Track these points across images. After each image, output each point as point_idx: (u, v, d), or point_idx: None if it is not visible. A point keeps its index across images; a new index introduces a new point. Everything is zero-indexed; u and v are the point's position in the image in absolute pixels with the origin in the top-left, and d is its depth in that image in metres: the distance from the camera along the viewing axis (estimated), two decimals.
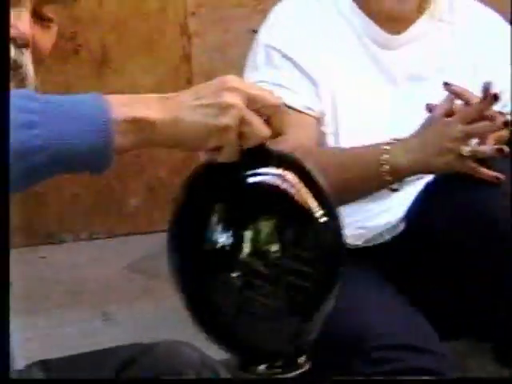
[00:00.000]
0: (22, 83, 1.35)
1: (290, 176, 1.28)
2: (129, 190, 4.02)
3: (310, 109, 2.33)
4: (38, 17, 1.39)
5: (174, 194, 4.13)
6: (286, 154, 1.34)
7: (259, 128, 1.23)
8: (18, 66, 1.34)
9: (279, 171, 1.29)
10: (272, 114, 1.26)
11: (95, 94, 1.18)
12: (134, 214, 4.01)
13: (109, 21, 3.93)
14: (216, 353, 1.47)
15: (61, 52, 3.80)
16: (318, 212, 1.28)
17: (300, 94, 2.33)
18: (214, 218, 1.27)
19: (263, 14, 3.82)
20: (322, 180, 1.32)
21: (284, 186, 1.28)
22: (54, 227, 3.92)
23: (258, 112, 1.24)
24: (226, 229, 1.26)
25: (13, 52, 1.32)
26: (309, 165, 1.33)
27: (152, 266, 3.30)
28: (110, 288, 3.28)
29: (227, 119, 1.20)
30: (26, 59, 1.35)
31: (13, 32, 1.30)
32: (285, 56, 2.35)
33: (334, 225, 1.32)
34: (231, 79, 1.25)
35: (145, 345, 1.63)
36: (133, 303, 3.07)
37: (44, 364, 1.60)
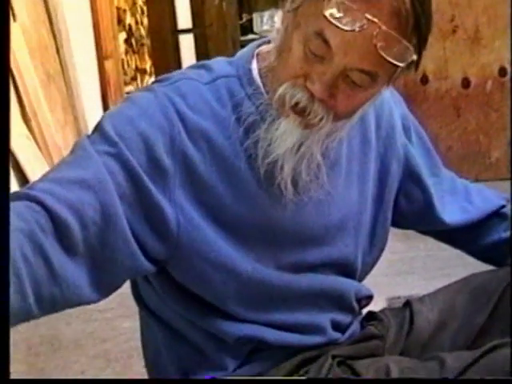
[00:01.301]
0: (304, 118, 1.22)
1: None
2: (493, 144, 3.99)
3: None
4: (347, 80, 1.20)
5: None
6: None
7: None
8: (302, 109, 1.21)
9: None
10: None
11: None
12: (496, 164, 3.98)
13: (481, 6, 3.94)
14: None
15: (441, 31, 3.89)
16: None
17: None
18: None
19: None
20: None
21: None
22: None
23: None
24: None
25: (303, 97, 1.20)
26: None
27: None
28: None
29: None
30: (316, 109, 1.20)
31: (310, 85, 1.19)
32: None
33: None
34: None
35: None
36: None
37: None
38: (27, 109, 5.52)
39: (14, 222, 1.05)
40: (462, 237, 1.59)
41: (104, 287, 1.20)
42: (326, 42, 1.17)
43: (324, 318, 1.41)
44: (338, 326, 1.44)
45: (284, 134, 1.23)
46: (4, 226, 0.99)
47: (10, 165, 5.01)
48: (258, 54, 1.33)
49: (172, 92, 1.27)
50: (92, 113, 6.90)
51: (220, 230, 1.29)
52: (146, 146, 1.22)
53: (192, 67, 1.37)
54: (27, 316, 1.08)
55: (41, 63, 5.92)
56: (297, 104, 1.21)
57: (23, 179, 5.08)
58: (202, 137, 1.26)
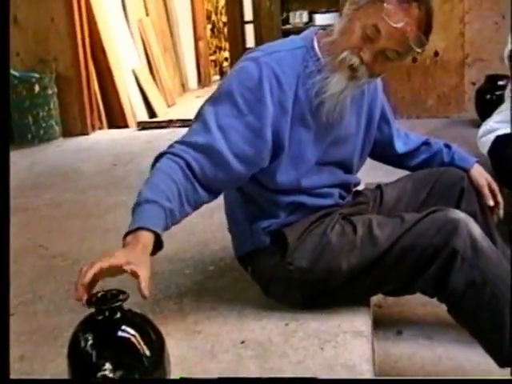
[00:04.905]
0: (354, 77, 1.24)
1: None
2: (428, 97, 3.81)
3: None
4: (383, 55, 1.23)
5: (453, 98, 3.78)
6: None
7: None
8: (355, 69, 1.23)
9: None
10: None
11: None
12: (430, 108, 3.83)
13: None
14: None
15: None
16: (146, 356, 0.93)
17: None
18: None
19: None
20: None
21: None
22: None
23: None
24: None
25: (357, 60, 1.22)
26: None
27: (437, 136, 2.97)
28: None
29: None
30: (363, 69, 1.23)
31: (362, 54, 1.22)
32: None
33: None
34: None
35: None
36: None
37: None
38: (153, 67, 5.48)
39: (172, 164, 1.17)
40: (403, 160, 1.57)
41: (218, 193, 1.26)
42: (378, 30, 1.20)
43: (335, 191, 1.41)
44: (341, 196, 1.43)
45: (336, 83, 1.24)
46: (4, 225, 0.90)
47: (142, 99, 5.00)
48: (316, 35, 1.33)
49: (271, 60, 1.26)
50: (190, 71, 6.90)
51: (291, 130, 1.28)
52: (257, 100, 1.23)
53: (278, 41, 1.37)
54: (185, 215, 1.18)
55: (161, 40, 5.84)
56: (352, 65, 1.23)
57: (149, 107, 5.08)
58: (287, 86, 1.25)
